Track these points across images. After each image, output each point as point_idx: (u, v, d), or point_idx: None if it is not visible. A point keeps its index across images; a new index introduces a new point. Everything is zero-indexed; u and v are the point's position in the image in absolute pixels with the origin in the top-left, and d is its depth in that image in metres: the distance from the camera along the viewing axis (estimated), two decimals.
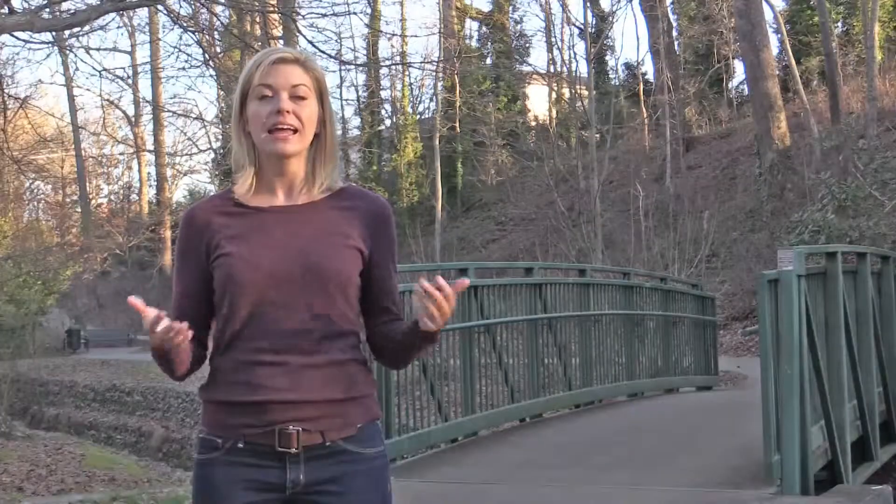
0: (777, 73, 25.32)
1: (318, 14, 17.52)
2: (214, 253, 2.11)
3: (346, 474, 2.08)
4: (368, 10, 21.12)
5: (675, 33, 32.59)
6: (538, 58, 64.27)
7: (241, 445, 2.06)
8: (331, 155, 2.16)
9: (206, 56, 11.36)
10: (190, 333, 1.99)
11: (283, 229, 2.10)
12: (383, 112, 37.65)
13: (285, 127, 2.08)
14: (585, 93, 27.79)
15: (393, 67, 34.20)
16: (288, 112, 2.07)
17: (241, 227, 2.11)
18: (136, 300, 1.96)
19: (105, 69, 12.00)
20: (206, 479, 2.10)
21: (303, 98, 2.10)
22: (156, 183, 40.86)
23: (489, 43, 37.43)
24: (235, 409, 2.06)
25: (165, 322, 1.95)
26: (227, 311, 2.08)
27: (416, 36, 39.64)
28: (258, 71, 2.10)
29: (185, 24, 10.38)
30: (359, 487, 2.09)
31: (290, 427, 2.04)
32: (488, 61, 37.58)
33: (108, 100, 31.68)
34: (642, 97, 32.48)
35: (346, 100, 36.43)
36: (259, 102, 2.10)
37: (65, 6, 9.31)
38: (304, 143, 2.12)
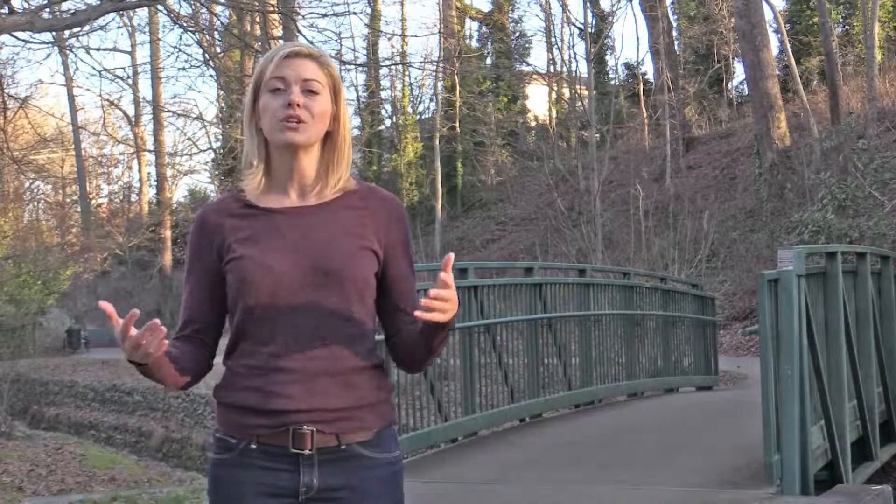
0: (777, 73, 25.34)
1: (318, 14, 17.62)
2: (227, 256, 2.07)
3: (360, 480, 2.03)
4: (368, 10, 21.21)
5: (675, 33, 32.59)
6: (538, 58, 64.41)
7: (253, 446, 2.02)
8: (344, 154, 2.12)
9: (206, 56, 11.38)
10: (165, 343, 1.91)
11: (296, 231, 2.05)
12: (383, 112, 37.68)
13: (295, 119, 2.03)
14: (585, 93, 27.80)
15: (393, 67, 34.25)
16: (299, 105, 2.03)
17: (253, 229, 2.07)
18: (106, 305, 1.89)
19: (105, 69, 12.09)
20: (219, 480, 2.07)
21: (315, 93, 2.06)
22: (156, 183, 40.77)
23: (489, 43, 37.44)
24: (248, 412, 2.02)
25: (133, 332, 1.88)
26: (239, 315, 2.04)
27: (416, 36, 39.76)
28: (271, 64, 2.06)
29: (185, 24, 10.39)
30: (373, 495, 2.04)
31: (305, 427, 1.99)
32: (488, 61, 37.60)
33: (108, 100, 31.78)
34: (642, 97, 32.49)
35: (347, 100, 36.35)
36: (271, 95, 2.06)
37: (65, 6, 9.33)
38: (313, 134, 2.07)
